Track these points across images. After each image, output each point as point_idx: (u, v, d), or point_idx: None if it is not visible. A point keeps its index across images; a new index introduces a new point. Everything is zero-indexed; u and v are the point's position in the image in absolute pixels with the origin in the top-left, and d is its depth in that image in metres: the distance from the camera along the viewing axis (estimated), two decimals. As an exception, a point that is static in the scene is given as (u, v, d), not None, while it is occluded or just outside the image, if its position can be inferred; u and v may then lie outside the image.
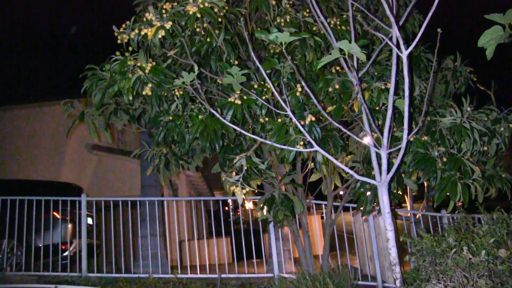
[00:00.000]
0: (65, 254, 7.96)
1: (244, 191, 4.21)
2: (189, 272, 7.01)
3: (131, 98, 4.59)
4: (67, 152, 14.01)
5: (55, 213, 7.80)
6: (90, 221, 8.32)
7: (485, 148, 4.67)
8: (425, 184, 12.96)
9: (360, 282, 6.39)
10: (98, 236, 8.00)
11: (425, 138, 4.42)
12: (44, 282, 6.58)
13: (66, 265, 7.33)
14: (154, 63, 4.69)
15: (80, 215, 7.23)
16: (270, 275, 6.83)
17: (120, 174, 13.80)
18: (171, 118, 4.81)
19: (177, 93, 4.66)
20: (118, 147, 15.81)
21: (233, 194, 4.38)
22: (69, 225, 8.25)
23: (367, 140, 3.93)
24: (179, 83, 3.86)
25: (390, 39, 3.29)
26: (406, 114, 3.29)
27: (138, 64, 4.62)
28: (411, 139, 4.35)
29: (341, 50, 3.13)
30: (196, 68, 3.77)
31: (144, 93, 4.62)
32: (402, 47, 3.11)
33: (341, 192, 6.29)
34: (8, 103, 14.74)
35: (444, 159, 4.25)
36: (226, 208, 17.57)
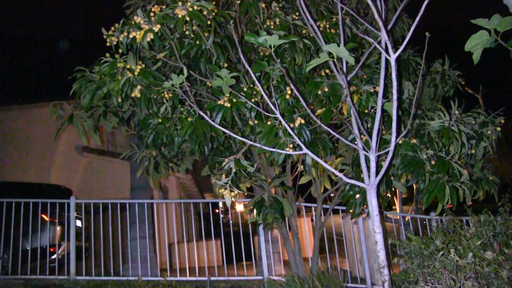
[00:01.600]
0: (53, 257, 7.89)
1: (233, 193, 4.20)
2: (178, 275, 6.98)
3: (120, 100, 4.58)
4: (57, 154, 13.90)
5: (43, 216, 7.72)
6: (79, 223, 8.26)
7: (473, 151, 4.70)
8: (414, 186, 13.01)
9: (349, 285, 6.41)
10: (87, 239, 7.94)
11: (414, 141, 4.44)
12: (31, 286, 6.51)
13: (55, 268, 7.26)
14: (143, 66, 4.68)
15: (69, 218, 7.17)
16: (259, 277, 6.82)
17: (110, 176, 13.73)
18: (160, 120, 4.80)
19: (166, 95, 4.65)
20: (108, 149, 15.74)
21: (223, 197, 4.37)
22: (58, 228, 8.18)
23: (356, 143, 3.93)
24: (168, 86, 3.85)
25: (379, 43, 3.30)
26: (394, 117, 3.30)
27: (128, 67, 4.60)
28: (400, 142, 4.38)
29: (330, 53, 3.14)
30: (185, 70, 3.77)
31: (133, 95, 4.60)
32: (390, 50, 3.13)
33: (332, 194, 6.30)
34: (-3, 104, 14.60)
35: (433, 162, 4.28)
36: (217, 211, 17.56)
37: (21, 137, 13.94)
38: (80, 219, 8.13)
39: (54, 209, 7.52)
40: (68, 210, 7.18)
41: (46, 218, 7.79)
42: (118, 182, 12.83)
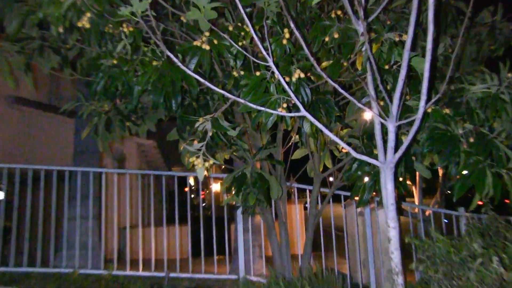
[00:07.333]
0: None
1: (207, 164, 4.03)
2: (128, 269, 6.85)
3: (61, 31, 4.35)
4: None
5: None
6: (1, 195, 8.01)
7: (526, 130, 4.55)
8: (440, 173, 12.90)
9: (349, 293, 6.35)
10: (9, 217, 7.67)
11: (447, 110, 4.27)
12: None
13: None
14: (96, -14, 4.45)
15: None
16: (233, 276, 6.73)
17: (52, 137, 13.46)
18: (115, 62, 4.59)
19: (125, 29, 4.43)
20: (50, 102, 15.40)
21: (194, 169, 4.20)
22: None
23: (370, 107, 3.77)
24: (126, 13, 3.63)
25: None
26: (426, 74, 3.12)
27: (74, -15, 4.37)
28: (429, 110, 4.21)
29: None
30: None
31: (80, 25, 4.39)
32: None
33: (331, 178, 6.19)
34: None
35: (471, 140, 4.11)
36: (186, 189, 17.47)
37: None
38: (2, 189, 7.87)
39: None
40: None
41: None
42: (62, 145, 12.61)
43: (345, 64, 4.38)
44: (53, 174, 7.19)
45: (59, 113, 7.58)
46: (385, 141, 3.56)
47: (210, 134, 4.16)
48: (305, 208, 11.93)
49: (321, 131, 3.60)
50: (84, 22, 4.40)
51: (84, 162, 8.12)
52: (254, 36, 3.43)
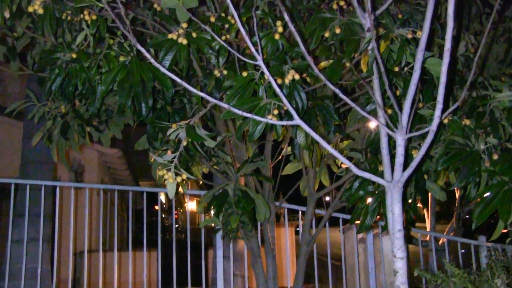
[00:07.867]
0: None
1: (179, 178, 4.03)
2: (86, 301, 6.83)
3: (7, 15, 4.33)
4: None
5: None
6: None
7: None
8: (457, 194, 12.98)
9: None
10: None
11: (467, 121, 4.30)
12: None
13: None
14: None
15: None
16: (210, 312, 6.72)
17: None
18: (74, 56, 4.57)
19: (87, 17, 4.43)
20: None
21: (165, 184, 4.20)
22: None
23: (376, 116, 3.79)
24: (88, -2, 3.64)
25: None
26: (442, 79, 3.14)
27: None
28: (445, 120, 4.23)
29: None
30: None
31: (31, 10, 4.38)
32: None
33: (327, 198, 6.19)
34: None
35: (495, 157, 4.13)
36: (156, 207, 17.46)
37: None
38: None
39: None
40: None
41: None
42: (7, 153, 12.58)
43: (347, 64, 4.41)
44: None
45: (4, 114, 7.49)
46: (392, 156, 3.56)
47: (184, 143, 4.15)
48: (297, 233, 11.99)
49: (318, 142, 3.61)
50: (36, 7, 4.41)
51: (35, 173, 8.08)
52: (241, 29, 3.42)
